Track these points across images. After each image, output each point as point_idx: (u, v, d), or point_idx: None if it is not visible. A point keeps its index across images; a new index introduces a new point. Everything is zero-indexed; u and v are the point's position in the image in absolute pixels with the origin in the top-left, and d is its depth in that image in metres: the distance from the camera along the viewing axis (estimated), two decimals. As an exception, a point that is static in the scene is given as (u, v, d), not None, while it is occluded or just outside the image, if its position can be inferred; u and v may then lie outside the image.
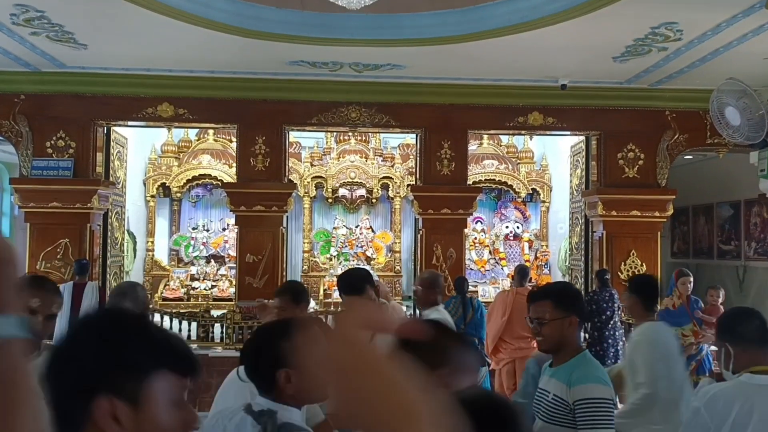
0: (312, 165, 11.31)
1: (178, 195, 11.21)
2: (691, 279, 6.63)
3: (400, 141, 11.83)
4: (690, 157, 9.89)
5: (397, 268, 11.18)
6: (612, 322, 6.88)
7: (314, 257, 11.30)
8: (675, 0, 5.44)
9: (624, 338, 6.72)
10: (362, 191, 11.35)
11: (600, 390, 2.46)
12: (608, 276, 7.47)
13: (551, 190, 11.54)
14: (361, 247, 11.32)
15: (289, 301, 3.32)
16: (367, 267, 9.66)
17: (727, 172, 9.99)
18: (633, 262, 8.42)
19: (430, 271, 5.86)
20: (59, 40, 6.73)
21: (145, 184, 11.10)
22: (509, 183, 11.28)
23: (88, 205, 7.97)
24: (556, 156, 11.36)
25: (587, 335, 6.96)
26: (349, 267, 8.68)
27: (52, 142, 8.08)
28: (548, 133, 9.16)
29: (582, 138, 9.17)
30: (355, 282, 3.34)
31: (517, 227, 11.73)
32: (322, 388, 1.88)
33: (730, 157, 8.89)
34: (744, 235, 10.14)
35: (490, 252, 11.56)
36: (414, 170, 9.48)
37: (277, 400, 1.92)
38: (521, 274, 7.14)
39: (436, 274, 4.86)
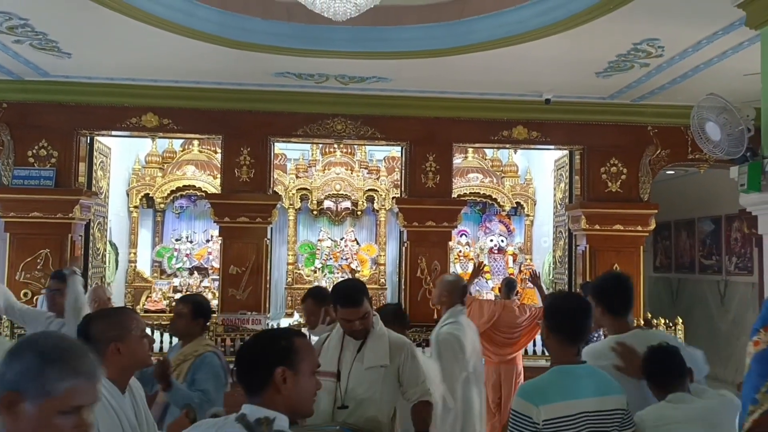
0: (297, 177, 11.28)
1: (162, 206, 11.11)
2: None
3: (385, 154, 11.84)
4: (672, 172, 10.01)
5: (382, 280, 11.15)
6: (597, 335, 6.89)
7: (299, 269, 11.24)
8: (657, 17, 5.52)
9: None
10: (347, 203, 11.33)
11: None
12: (592, 289, 7.49)
13: (535, 204, 11.60)
14: (346, 259, 11.29)
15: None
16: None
17: (708, 188, 10.10)
18: (616, 275, 8.45)
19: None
20: (43, 49, 6.68)
21: (128, 195, 10.98)
22: (494, 196, 11.32)
23: (70, 215, 7.88)
24: (540, 170, 11.43)
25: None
26: (341, 279, 8.61)
27: (34, 151, 7.99)
28: (532, 147, 9.22)
29: (566, 152, 9.25)
30: (352, 294, 3.28)
31: (502, 240, 11.76)
32: (310, 400, 1.95)
33: (711, 172, 9.00)
34: (725, 249, 10.25)
35: (474, 265, 11.56)
36: (399, 183, 9.49)
37: (267, 405, 1.88)
38: (508, 286, 7.17)
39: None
